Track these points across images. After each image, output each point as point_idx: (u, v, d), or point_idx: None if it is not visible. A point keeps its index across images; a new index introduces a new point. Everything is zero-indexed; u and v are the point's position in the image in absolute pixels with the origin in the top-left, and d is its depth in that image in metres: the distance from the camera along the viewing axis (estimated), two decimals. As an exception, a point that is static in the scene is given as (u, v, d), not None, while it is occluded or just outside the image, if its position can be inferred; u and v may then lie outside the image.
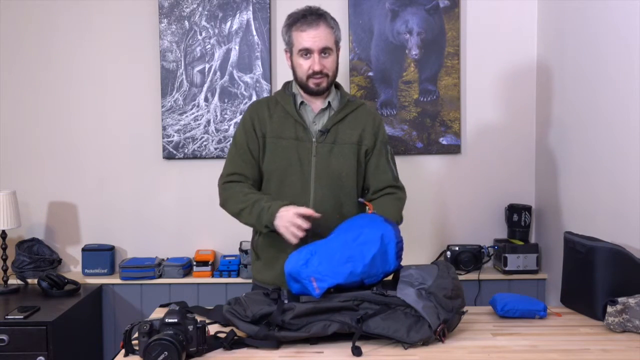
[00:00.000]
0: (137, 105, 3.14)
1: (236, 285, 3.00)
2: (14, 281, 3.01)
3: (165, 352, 1.59)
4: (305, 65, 2.09)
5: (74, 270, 3.20)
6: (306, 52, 2.08)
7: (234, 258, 3.06)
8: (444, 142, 3.11)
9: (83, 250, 3.09)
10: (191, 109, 3.11)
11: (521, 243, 2.99)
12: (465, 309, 1.88)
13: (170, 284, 3.03)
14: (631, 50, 2.19)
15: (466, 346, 1.78)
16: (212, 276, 3.02)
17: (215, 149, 3.10)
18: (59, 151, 3.16)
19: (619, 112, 2.28)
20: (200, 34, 3.09)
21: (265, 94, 3.06)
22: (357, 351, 1.70)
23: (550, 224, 2.95)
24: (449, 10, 3.07)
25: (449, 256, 3.00)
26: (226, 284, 3.02)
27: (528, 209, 3.03)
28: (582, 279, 2.07)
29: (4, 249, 2.92)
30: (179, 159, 3.13)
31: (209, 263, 3.03)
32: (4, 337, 2.52)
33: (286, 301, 1.81)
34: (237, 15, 3.09)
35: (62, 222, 3.18)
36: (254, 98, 3.06)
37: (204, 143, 3.11)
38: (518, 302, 2.05)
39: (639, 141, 2.14)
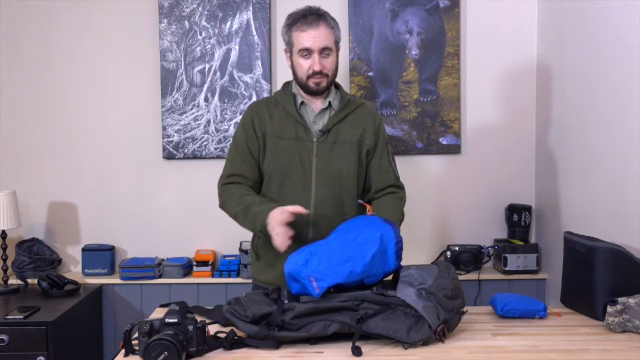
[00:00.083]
0: (137, 105, 3.14)
1: (236, 285, 3.00)
2: (14, 281, 3.01)
3: (165, 352, 1.59)
4: (305, 65, 2.09)
5: (74, 270, 3.20)
6: (306, 52, 2.08)
7: (234, 258, 3.06)
8: (444, 142, 3.11)
9: (83, 250, 3.09)
10: (191, 109, 3.11)
11: (521, 243, 2.99)
12: (465, 309, 1.88)
13: (170, 284, 3.03)
14: (631, 50, 2.19)
15: (466, 346, 1.78)
16: (212, 276, 3.02)
17: (215, 149, 3.10)
18: (59, 151, 3.16)
19: (619, 112, 2.28)
20: (200, 34, 3.09)
21: (265, 94, 3.06)
22: (357, 351, 1.70)
23: (550, 224, 2.95)
24: (449, 10, 3.07)
25: (449, 256, 3.00)
26: (226, 284, 3.03)
27: (528, 209, 3.03)
28: (582, 279, 2.07)
29: (4, 249, 2.92)
30: (179, 159, 3.13)
31: (209, 263, 3.03)
32: (4, 337, 2.52)
33: (286, 301, 1.81)
34: (237, 15, 3.09)
35: (62, 222, 3.18)
36: (254, 98, 3.06)
37: (204, 143, 3.11)
38: (518, 302, 2.05)
39: (639, 141, 2.14)
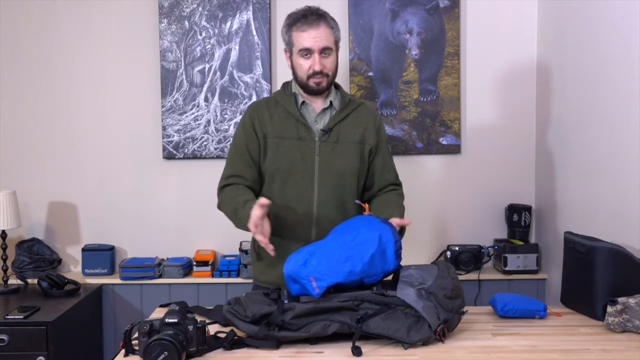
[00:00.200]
0: (137, 105, 3.14)
1: (236, 285, 3.00)
2: (14, 281, 3.01)
3: (165, 352, 1.59)
4: (305, 65, 2.09)
5: (74, 270, 3.20)
6: (306, 52, 2.08)
7: (234, 258, 3.06)
8: (444, 142, 3.11)
9: (83, 250, 3.09)
10: (191, 109, 3.11)
11: (521, 243, 2.99)
12: (465, 309, 1.88)
13: (170, 284, 3.03)
14: (631, 50, 2.19)
15: (466, 346, 1.78)
16: (212, 276, 3.02)
17: (215, 149, 3.10)
18: (59, 151, 3.16)
19: (619, 112, 2.28)
20: (200, 34, 3.09)
21: (265, 94, 3.06)
22: (357, 351, 1.70)
23: (550, 224, 2.95)
24: (449, 10, 3.07)
25: (449, 256, 3.00)
26: (226, 284, 3.03)
27: (528, 209, 3.03)
28: (582, 279, 2.07)
29: (4, 249, 2.92)
30: (179, 159, 3.13)
31: (209, 263, 3.03)
32: (4, 337, 2.52)
33: (286, 301, 1.81)
34: (237, 15, 3.09)
35: (62, 222, 3.18)
36: (254, 98, 3.06)
37: (204, 143, 3.11)
38: (518, 302, 2.05)
39: (639, 141, 2.14)
